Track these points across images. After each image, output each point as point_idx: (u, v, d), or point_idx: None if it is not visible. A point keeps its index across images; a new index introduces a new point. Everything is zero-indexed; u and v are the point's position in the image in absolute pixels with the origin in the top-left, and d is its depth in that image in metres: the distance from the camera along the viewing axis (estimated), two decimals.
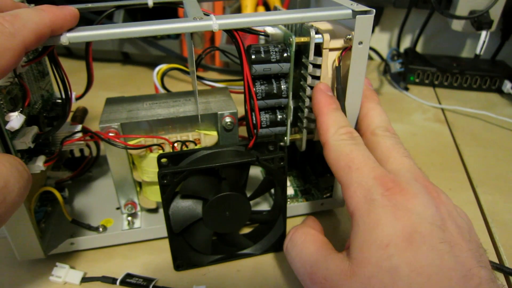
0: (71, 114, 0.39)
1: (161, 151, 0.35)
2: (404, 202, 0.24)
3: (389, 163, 0.28)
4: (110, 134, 0.33)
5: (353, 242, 0.25)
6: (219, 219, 0.34)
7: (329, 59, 0.33)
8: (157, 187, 0.38)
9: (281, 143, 0.37)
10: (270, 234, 0.37)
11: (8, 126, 0.29)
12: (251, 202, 0.35)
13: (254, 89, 0.34)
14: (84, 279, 0.34)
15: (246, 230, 0.39)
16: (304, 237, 0.30)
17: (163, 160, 0.33)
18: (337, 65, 0.32)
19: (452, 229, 0.24)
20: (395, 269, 0.22)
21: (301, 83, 0.35)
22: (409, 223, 0.23)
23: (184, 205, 0.34)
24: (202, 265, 0.36)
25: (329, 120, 0.30)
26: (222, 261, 0.36)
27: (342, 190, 0.27)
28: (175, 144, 0.35)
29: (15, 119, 0.29)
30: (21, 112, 0.30)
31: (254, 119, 0.34)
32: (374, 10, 0.30)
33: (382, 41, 0.84)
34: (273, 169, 0.33)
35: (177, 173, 0.31)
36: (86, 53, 0.35)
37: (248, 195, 0.35)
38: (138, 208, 0.39)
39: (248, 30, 0.33)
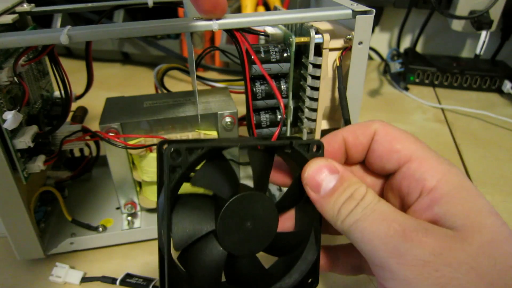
0: (71, 114, 0.39)
1: None
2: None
3: None
4: (110, 134, 0.33)
5: (448, 211, 0.22)
6: (238, 231, 0.24)
7: (329, 59, 0.33)
8: None
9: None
10: (299, 265, 0.27)
11: (5, 125, 0.28)
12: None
13: (254, 89, 0.34)
14: (84, 279, 0.34)
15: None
16: (377, 195, 0.24)
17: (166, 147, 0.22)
18: (338, 64, 0.32)
19: None
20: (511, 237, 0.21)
21: (301, 83, 0.35)
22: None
23: (192, 211, 0.24)
24: None
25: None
26: None
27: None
28: None
29: (12, 118, 0.29)
30: (18, 111, 0.29)
31: (279, 113, 0.33)
32: (374, 10, 0.30)
33: (382, 41, 0.84)
34: (309, 158, 0.25)
35: (194, 149, 0.22)
36: (86, 53, 0.35)
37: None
38: (138, 208, 0.39)
39: (248, 30, 0.33)
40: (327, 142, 0.27)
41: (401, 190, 0.25)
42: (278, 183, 0.29)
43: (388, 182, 0.27)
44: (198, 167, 0.23)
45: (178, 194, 0.23)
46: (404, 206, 0.25)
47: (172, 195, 0.22)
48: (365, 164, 0.28)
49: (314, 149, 0.26)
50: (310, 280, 0.27)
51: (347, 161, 0.28)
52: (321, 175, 0.24)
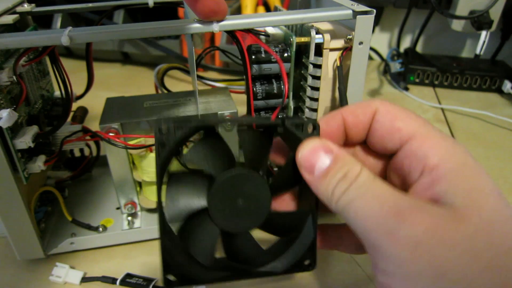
0: (71, 114, 0.39)
1: None
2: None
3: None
4: (110, 134, 0.33)
5: (448, 189, 0.21)
6: (229, 209, 0.25)
7: (330, 59, 0.33)
8: None
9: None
10: (295, 247, 0.27)
11: (0, 123, 0.28)
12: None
13: (254, 88, 0.34)
14: (84, 279, 0.34)
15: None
16: (373, 174, 0.23)
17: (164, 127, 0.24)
18: (338, 64, 0.32)
19: None
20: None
21: (301, 83, 0.35)
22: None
23: (187, 184, 0.25)
24: (202, 281, 0.26)
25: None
26: (230, 279, 0.27)
27: (419, 152, 0.23)
28: None
29: (7, 116, 0.28)
30: (14, 109, 0.29)
31: None
32: (375, 11, 0.30)
33: (382, 41, 0.84)
34: (303, 139, 0.25)
35: (180, 127, 0.24)
36: (87, 53, 0.35)
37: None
38: (138, 208, 0.39)
39: (249, 31, 0.33)
40: (326, 122, 0.26)
41: (403, 169, 0.24)
42: (280, 164, 0.28)
43: (390, 162, 0.26)
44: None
45: (173, 171, 0.24)
46: (406, 186, 0.24)
47: (163, 169, 0.24)
48: (366, 144, 0.27)
49: (310, 129, 0.25)
50: (307, 262, 0.27)
51: (348, 142, 0.27)
52: (315, 156, 0.24)
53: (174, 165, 0.25)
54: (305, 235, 0.27)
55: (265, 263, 0.27)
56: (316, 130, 0.25)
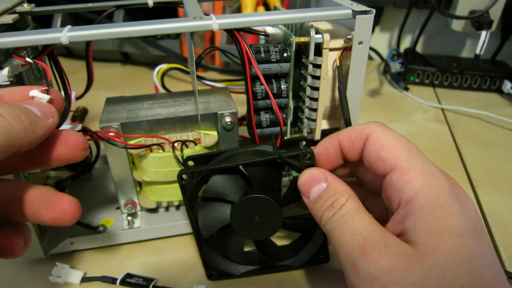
0: (71, 114, 0.39)
1: (161, 151, 0.35)
2: (462, 195, 0.25)
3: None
4: (110, 134, 0.33)
5: (415, 226, 0.23)
6: (248, 224, 0.31)
7: (329, 59, 0.33)
8: (157, 187, 0.38)
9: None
10: (310, 245, 0.34)
11: None
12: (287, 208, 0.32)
13: (255, 89, 0.34)
14: (84, 279, 0.34)
15: (287, 241, 0.36)
16: (358, 205, 0.26)
17: (190, 162, 0.32)
18: (338, 64, 0.32)
19: None
20: (469, 259, 0.22)
21: (301, 83, 0.35)
22: (473, 216, 0.23)
23: (213, 208, 0.32)
24: (236, 275, 0.34)
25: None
26: (258, 273, 0.35)
27: (394, 185, 0.25)
28: (175, 144, 0.35)
29: None
30: None
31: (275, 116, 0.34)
32: (374, 10, 0.30)
33: (382, 41, 0.84)
34: (300, 167, 0.29)
35: (195, 173, 0.30)
36: (86, 53, 0.35)
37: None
38: (138, 207, 0.39)
39: (248, 30, 0.33)
40: (324, 146, 0.29)
41: (386, 196, 0.26)
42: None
43: (383, 182, 0.27)
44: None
45: (203, 197, 0.32)
46: (391, 210, 0.26)
47: (191, 204, 0.31)
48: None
49: (307, 156, 0.28)
50: (322, 256, 0.34)
51: (348, 160, 0.29)
52: (312, 183, 0.27)
53: (201, 192, 0.32)
54: (318, 234, 0.34)
55: (286, 259, 0.34)
56: (312, 158, 0.29)
